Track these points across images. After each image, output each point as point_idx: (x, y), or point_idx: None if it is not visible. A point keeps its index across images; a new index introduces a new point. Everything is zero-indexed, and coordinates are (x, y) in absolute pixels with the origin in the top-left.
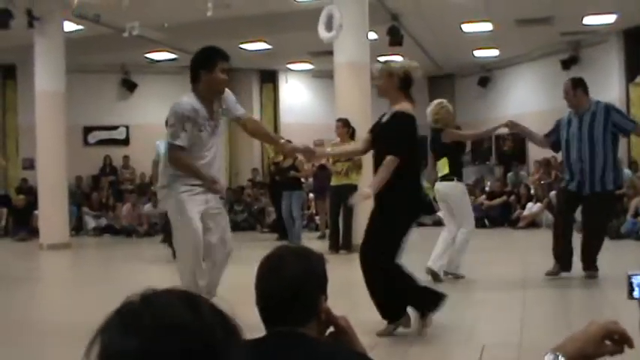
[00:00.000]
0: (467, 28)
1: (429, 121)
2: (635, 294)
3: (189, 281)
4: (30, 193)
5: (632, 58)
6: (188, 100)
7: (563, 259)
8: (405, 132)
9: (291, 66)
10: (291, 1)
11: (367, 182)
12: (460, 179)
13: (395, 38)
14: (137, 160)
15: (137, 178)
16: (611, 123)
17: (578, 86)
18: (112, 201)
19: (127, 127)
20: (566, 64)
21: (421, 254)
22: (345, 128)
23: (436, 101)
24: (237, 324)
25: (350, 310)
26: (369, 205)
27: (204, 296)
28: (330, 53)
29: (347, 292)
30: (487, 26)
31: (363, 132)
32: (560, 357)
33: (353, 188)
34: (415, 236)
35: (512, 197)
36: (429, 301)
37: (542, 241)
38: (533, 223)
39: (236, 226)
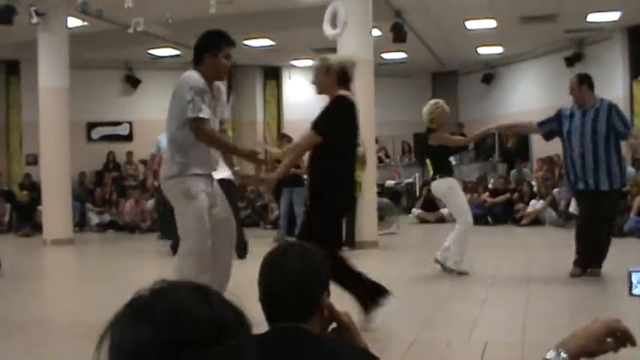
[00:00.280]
0: (471, 25)
1: (424, 121)
2: (636, 291)
3: (190, 275)
4: (33, 188)
5: (636, 55)
6: (196, 75)
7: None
8: (335, 113)
9: (294, 62)
10: None
11: (369, 179)
12: (445, 175)
13: (398, 35)
14: (140, 156)
15: (140, 174)
16: (611, 122)
17: (584, 82)
18: (115, 197)
19: (131, 123)
20: (570, 62)
21: (427, 250)
22: None
23: (432, 101)
24: (245, 314)
25: (352, 307)
26: (373, 203)
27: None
28: (334, 50)
29: None
30: (491, 23)
31: (366, 128)
32: (562, 353)
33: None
34: (419, 233)
35: (516, 194)
36: (373, 296)
37: (546, 238)
38: (536, 221)
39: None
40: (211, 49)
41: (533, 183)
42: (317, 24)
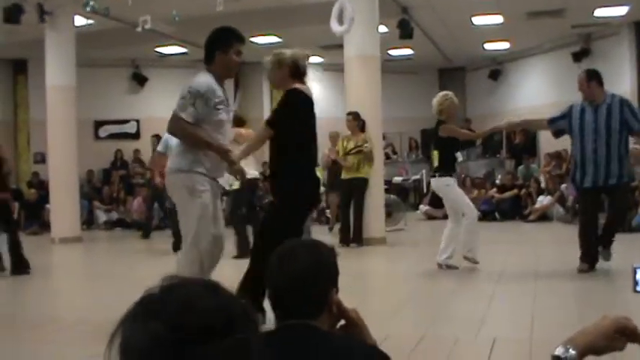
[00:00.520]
0: (477, 20)
1: (434, 112)
2: None
3: (192, 273)
4: (41, 187)
5: None
6: (205, 78)
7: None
8: (287, 106)
9: None
10: None
11: (377, 175)
12: (446, 174)
13: (405, 31)
14: (148, 153)
15: (148, 172)
16: (623, 117)
17: (592, 78)
18: (123, 195)
19: (138, 121)
20: (578, 57)
21: (435, 246)
22: (356, 121)
23: (441, 93)
24: (252, 309)
25: (361, 303)
26: (381, 200)
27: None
28: (341, 46)
29: (358, 285)
30: (498, 19)
31: (373, 125)
32: (570, 350)
33: (363, 181)
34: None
35: (523, 190)
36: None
37: (553, 234)
38: (544, 216)
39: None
40: (222, 46)
41: (541, 179)
42: (324, 21)
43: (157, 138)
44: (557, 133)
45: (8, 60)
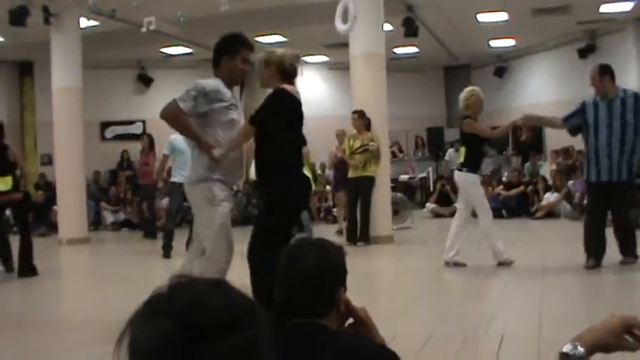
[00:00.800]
0: (482, 17)
1: (460, 107)
2: None
3: (216, 272)
4: (48, 188)
5: None
6: (214, 80)
7: (595, 253)
8: (270, 104)
9: (306, 58)
10: None
11: (383, 174)
12: (472, 171)
13: (410, 29)
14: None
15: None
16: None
17: (605, 73)
18: (129, 195)
19: (144, 122)
20: (583, 53)
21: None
22: (361, 120)
23: (468, 88)
24: (261, 307)
25: (369, 302)
26: (387, 198)
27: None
28: (346, 45)
29: (366, 283)
30: (503, 16)
31: (379, 123)
32: (579, 347)
33: (370, 180)
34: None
35: (530, 187)
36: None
37: (561, 231)
38: (551, 213)
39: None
40: (229, 51)
41: (548, 176)
42: (329, 20)
43: (149, 137)
44: (574, 131)
45: (14, 62)
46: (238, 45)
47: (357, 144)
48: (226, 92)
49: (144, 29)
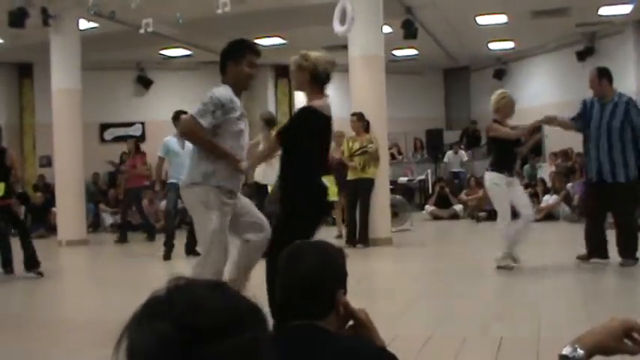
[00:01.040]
0: (482, 20)
1: (491, 110)
2: None
3: (213, 275)
4: (47, 190)
5: None
6: (225, 90)
7: (597, 249)
8: (296, 124)
9: None
10: None
11: (382, 176)
12: (497, 170)
13: (409, 31)
14: (153, 156)
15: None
16: (629, 118)
17: (603, 76)
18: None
19: (143, 124)
20: (582, 56)
21: (441, 246)
22: (360, 122)
23: (499, 91)
24: (262, 308)
25: (368, 304)
26: (386, 200)
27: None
28: (345, 47)
29: (365, 285)
30: (502, 18)
31: (378, 125)
32: (578, 349)
33: (369, 182)
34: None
35: (529, 190)
36: None
37: (560, 233)
38: (550, 216)
39: None
40: (234, 57)
41: (547, 178)
42: (327, 21)
43: (135, 143)
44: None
45: (14, 64)
46: (243, 50)
47: (356, 146)
48: (237, 101)
49: (142, 31)
